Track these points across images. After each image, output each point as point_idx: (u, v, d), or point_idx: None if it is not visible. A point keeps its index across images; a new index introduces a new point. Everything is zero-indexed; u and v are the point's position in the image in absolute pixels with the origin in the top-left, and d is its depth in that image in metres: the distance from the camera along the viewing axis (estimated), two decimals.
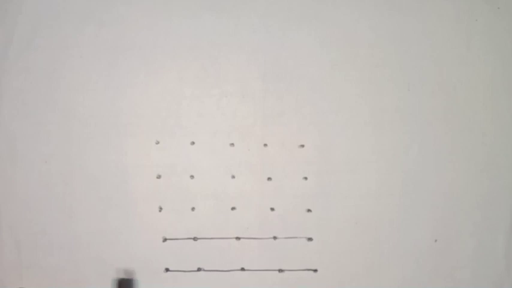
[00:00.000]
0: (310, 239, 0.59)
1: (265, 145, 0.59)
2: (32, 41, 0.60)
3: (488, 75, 0.59)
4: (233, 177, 0.59)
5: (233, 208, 0.59)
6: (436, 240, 0.59)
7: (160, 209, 0.59)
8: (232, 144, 0.59)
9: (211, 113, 0.59)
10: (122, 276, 0.58)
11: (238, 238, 0.59)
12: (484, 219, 0.59)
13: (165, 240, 0.59)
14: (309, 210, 0.59)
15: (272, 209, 0.59)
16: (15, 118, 0.60)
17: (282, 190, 0.59)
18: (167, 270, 0.59)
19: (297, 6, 0.59)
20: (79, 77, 0.59)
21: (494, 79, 0.59)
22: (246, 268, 0.59)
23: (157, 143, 0.59)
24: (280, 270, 0.59)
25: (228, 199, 0.59)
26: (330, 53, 0.59)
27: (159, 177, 0.59)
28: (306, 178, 0.59)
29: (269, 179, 0.59)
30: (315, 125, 0.59)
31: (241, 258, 0.59)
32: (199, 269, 0.59)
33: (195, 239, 0.59)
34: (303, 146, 0.59)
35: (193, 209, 0.59)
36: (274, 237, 0.59)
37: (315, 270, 0.59)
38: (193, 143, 0.59)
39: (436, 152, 0.59)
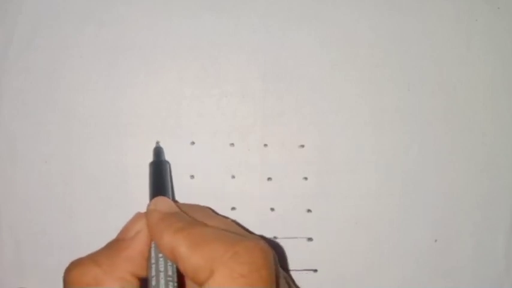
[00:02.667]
0: (310, 239, 0.59)
1: (265, 145, 0.59)
2: (32, 41, 0.59)
3: (488, 75, 0.59)
4: (233, 177, 0.59)
5: (233, 208, 0.59)
6: (436, 240, 0.59)
7: None
8: (232, 144, 0.59)
9: (211, 113, 0.59)
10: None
11: None
12: (484, 219, 0.59)
13: None
14: (309, 210, 0.59)
15: (272, 209, 0.59)
16: (15, 118, 0.59)
17: (282, 190, 0.59)
18: None
19: (297, 6, 0.59)
20: (79, 77, 0.59)
21: (494, 79, 0.59)
22: None
23: (158, 143, 0.59)
24: None
25: (228, 199, 0.59)
26: (330, 53, 0.59)
27: None
28: (306, 178, 0.59)
29: (269, 179, 0.59)
30: (315, 125, 0.59)
31: None
32: None
33: None
34: (303, 146, 0.59)
35: None
36: (274, 237, 0.59)
37: (315, 270, 0.59)
38: (193, 143, 0.59)
39: (436, 152, 0.59)
